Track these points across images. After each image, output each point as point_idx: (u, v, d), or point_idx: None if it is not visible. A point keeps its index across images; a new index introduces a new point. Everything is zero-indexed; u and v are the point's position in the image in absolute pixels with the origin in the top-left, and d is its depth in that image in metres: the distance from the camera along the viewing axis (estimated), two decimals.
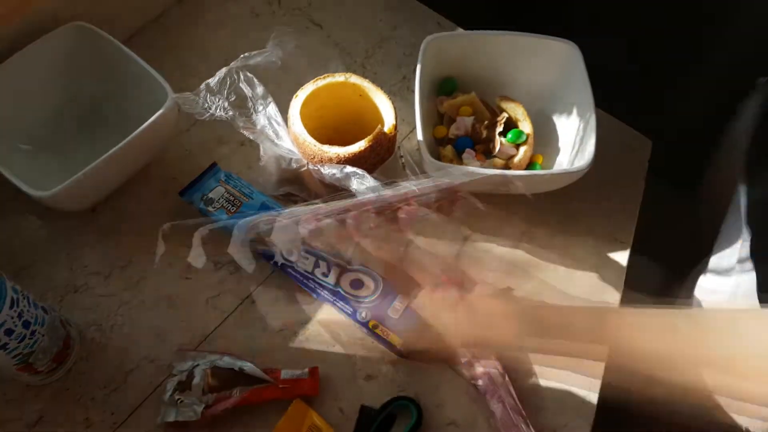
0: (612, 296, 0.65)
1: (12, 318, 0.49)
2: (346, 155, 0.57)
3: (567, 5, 0.86)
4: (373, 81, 0.77)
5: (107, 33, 0.66)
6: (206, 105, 0.60)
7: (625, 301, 0.64)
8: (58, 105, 0.69)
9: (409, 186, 0.54)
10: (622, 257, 0.67)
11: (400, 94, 0.77)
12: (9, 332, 0.49)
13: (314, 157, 0.59)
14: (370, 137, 0.57)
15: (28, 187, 0.57)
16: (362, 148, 0.57)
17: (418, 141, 0.60)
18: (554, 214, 0.69)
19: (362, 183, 0.54)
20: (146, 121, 0.60)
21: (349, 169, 0.55)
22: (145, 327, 0.61)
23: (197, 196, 0.65)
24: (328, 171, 0.57)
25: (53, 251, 0.64)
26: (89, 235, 0.66)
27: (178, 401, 0.55)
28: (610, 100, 0.73)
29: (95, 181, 0.60)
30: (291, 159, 0.60)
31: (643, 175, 0.73)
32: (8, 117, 0.65)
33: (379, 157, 0.60)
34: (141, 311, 0.62)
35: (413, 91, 0.65)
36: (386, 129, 0.59)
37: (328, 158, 0.58)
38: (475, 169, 0.60)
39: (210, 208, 0.65)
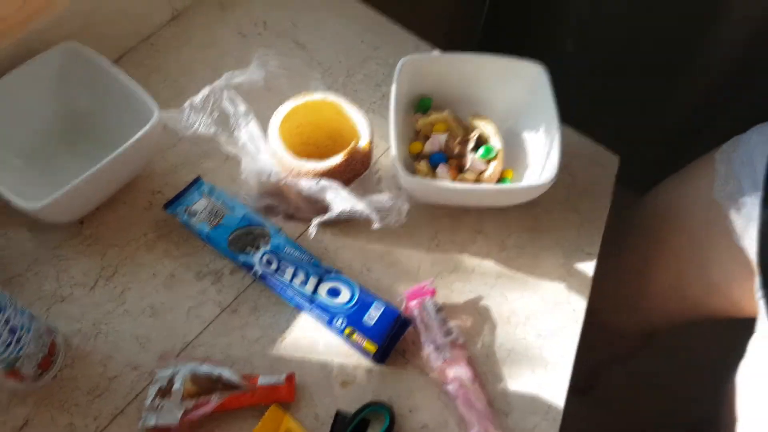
0: (578, 304, 0.67)
1: None
2: (322, 169, 0.60)
3: (535, 29, 0.90)
4: (354, 99, 0.80)
5: (99, 52, 0.69)
6: (190, 122, 0.63)
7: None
8: (49, 121, 0.71)
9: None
10: (588, 267, 0.70)
11: (379, 112, 0.80)
12: None
13: (292, 171, 0.61)
14: (345, 152, 0.60)
15: (18, 199, 0.59)
16: (337, 163, 0.60)
17: (392, 156, 0.63)
18: (524, 226, 0.72)
19: (336, 195, 0.57)
20: (132, 137, 0.63)
21: (324, 182, 0.58)
22: (129, 335, 0.63)
23: (181, 208, 0.68)
24: (305, 184, 0.59)
25: (41, 262, 0.67)
26: (76, 247, 0.68)
27: (159, 407, 0.57)
28: (581, 117, 0.77)
29: (83, 194, 0.63)
30: (270, 173, 0.63)
31: (610, 189, 0.76)
32: (2, 132, 0.68)
33: (355, 172, 0.63)
34: (125, 320, 0.64)
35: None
36: (361, 145, 0.62)
37: (304, 172, 0.61)
38: (447, 184, 0.63)
39: (193, 220, 0.67)
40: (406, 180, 0.62)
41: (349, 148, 0.60)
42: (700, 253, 0.75)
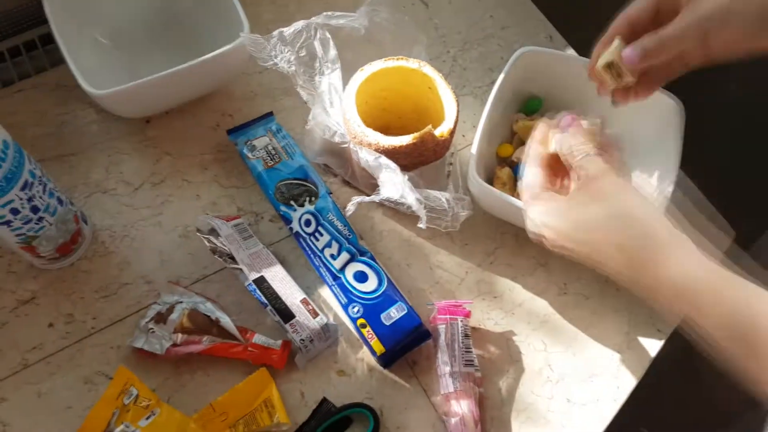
0: (625, 383, 0.58)
1: (21, 199, 0.50)
2: (386, 146, 0.54)
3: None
4: (460, 77, 0.73)
5: None
6: (273, 53, 0.59)
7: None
8: (146, 11, 0.70)
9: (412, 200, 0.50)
10: (653, 346, 0.59)
11: (481, 98, 0.72)
12: (15, 211, 0.50)
13: (355, 137, 0.55)
14: (416, 135, 0.54)
15: (85, 82, 0.58)
16: (404, 144, 0.54)
17: (471, 154, 0.56)
18: (596, 275, 0.62)
19: (390, 179, 0.51)
20: (214, 51, 0.60)
21: (383, 159, 0.52)
22: (153, 247, 0.62)
23: (242, 139, 0.65)
24: (364, 155, 0.53)
25: (97, 149, 0.66)
26: (135, 144, 0.67)
27: (150, 331, 0.55)
28: (703, 171, 0.65)
29: (147, 93, 0.60)
30: (336, 132, 0.57)
31: None
32: (97, 8, 0.67)
33: (423, 158, 0.56)
34: (155, 231, 0.62)
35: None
36: (438, 132, 0.55)
37: (367, 143, 0.54)
38: (518, 203, 0.55)
39: (250, 155, 0.64)
40: (476, 185, 0.55)
41: (421, 133, 0.53)
42: None
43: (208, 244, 0.58)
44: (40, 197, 0.52)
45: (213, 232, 0.60)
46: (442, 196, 0.53)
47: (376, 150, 0.54)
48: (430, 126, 0.54)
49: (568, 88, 0.64)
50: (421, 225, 0.51)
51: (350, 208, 0.52)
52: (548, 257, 0.63)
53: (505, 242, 0.63)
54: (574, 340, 0.60)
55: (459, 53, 0.75)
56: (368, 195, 0.56)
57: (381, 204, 0.64)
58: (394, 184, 0.50)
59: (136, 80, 0.58)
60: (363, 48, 0.63)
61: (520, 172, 0.62)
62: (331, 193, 0.62)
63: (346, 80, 0.60)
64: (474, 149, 0.56)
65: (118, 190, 0.64)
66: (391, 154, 0.54)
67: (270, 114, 0.67)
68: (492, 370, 0.58)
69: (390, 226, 0.64)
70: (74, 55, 0.59)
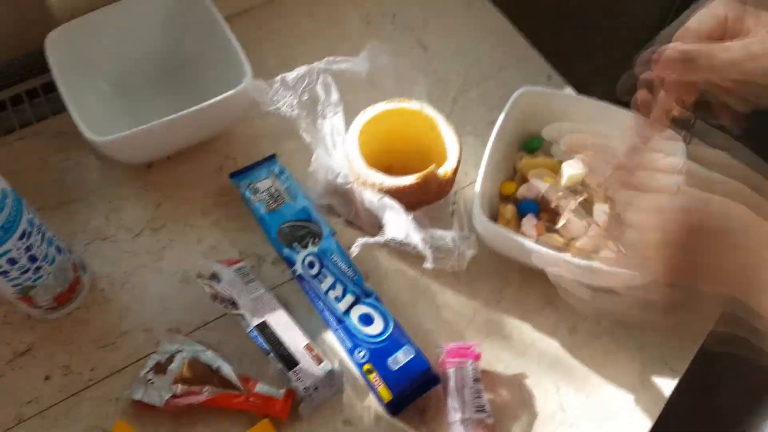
0: (641, 424, 0.56)
1: (18, 249, 0.49)
2: (390, 186, 0.53)
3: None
4: (461, 117, 0.73)
5: (218, 4, 0.67)
6: (276, 98, 0.59)
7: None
8: (148, 57, 0.70)
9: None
10: (667, 386, 0.58)
11: (482, 137, 0.71)
12: (12, 261, 0.49)
13: (359, 178, 0.55)
14: (420, 175, 0.53)
15: (87, 129, 0.58)
16: (408, 184, 0.53)
17: (475, 192, 0.55)
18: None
19: (394, 219, 0.50)
20: (216, 96, 0.60)
21: (387, 200, 0.52)
22: (154, 294, 0.60)
23: (245, 182, 0.64)
24: (368, 196, 0.53)
25: (98, 195, 0.66)
26: (136, 190, 0.66)
27: (149, 382, 0.54)
28: None
29: (148, 140, 0.60)
30: (339, 173, 0.57)
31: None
32: (101, 54, 0.67)
33: (427, 198, 0.56)
34: (156, 277, 0.61)
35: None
36: (441, 172, 0.55)
37: (371, 183, 0.54)
38: (526, 243, 0.54)
39: (252, 198, 0.63)
40: (481, 223, 0.54)
41: (424, 173, 0.53)
42: None
43: (208, 290, 0.57)
44: (39, 246, 0.51)
45: (214, 277, 0.59)
46: (447, 236, 0.52)
47: (380, 190, 0.53)
48: (433, 165, 0.53)
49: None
50: (428, 265, 0.50)
51: (355, 249, 0.51)
52: (557, 295, 0.61)
53: (511, 280, 0.62)
54: (587, 382, 0.58)
55: (459, 94, 0.75)
56: (372, 235, 0.55)
57: (386, 244, 0.63)
58: (398, 224, 0.50)
59: (135, 125, 0.58)
60: (364, 90, 0.63)
61: (523, 208, 0.62)
62: (334, 234, 0.61)
63: (348, 122, 0.61)
64: (477, 187, 0.56)
65: (119, 237, 0.64)
66: (395, 194, 0.53)
67: (273, 156, 0.66)
68: (504, 415, 0.56)
69: (395, 266, 0.62)
70: (76, 103, 0.59)
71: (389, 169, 0.57)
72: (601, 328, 0.60)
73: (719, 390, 0.70)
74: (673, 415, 0.57)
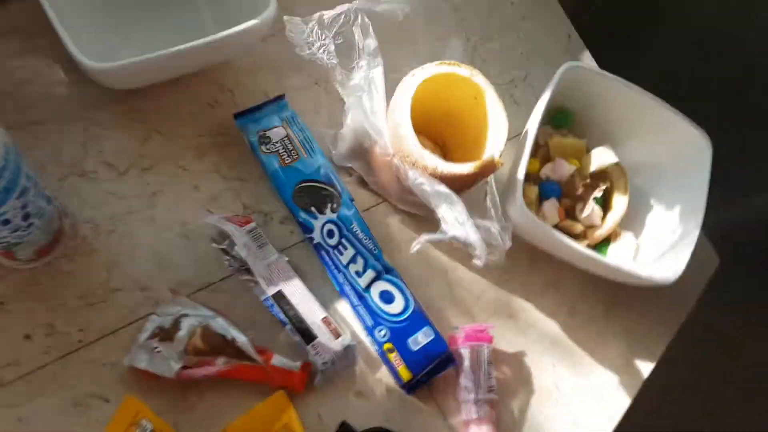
0: (620, 402, 0.61)
1: (15, 209, 0.40)
2: (444, 173, 0.50)
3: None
4: (480, 70, 0.68)
5: None
6: (311, 39, 0.51)
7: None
8: None
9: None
10: (645, 368, 0.63)
11: (503, 97, 0.68)
12: (5, 222, 0.41)
13: (407, 157, 0.50)
14: (478, 165, 0.50)
15: (78, 52, 0.47)
16: (464, 173, 0.50)
17: (517, 181, 0.53)
18: (602, 297, 0.64)
19: (456, 216, 0.47)
20: (237, 25, 0.51)
21: (442, 188, 0.48)
22: (148, 247, 0.54)
23: (254, 127, 0.57)
24: (416, 180, 0.49)
25: (70, 119, 0.55)
26: (117, 116, 0.56)
27: (155, 349, 0.49)
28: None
29: (149, 70, 0.51)
30: (376, 142, 0.52)
31: (698, 290, 0.68)
32: None
33: (474, 183, 0.53)
34: (148, 228, 0.54)
35: (529, 121, 0.57)
36: (496, 157, 0.52)
37: (422, 165, 0.50)
38: (574, 246, 0.53)
39: (263, 148, 0.56)
40: (524, 216, 0.52)
41: (483, 162, 0.50)
42: None
43: (225, 257, 0.52)
44: (33, 202, 0.42)
45: (223, 236, 0.53)
46: (493, 228, 0.50)
47: (432, 175, 0.49)
48: (493, 155, 0.50)
49: (598, 104, 0.63)
50: (479, 262, 0.49)
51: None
52: (560, 277, 0.63)
53: (519, 260, 0.62)
54: (581, 363, 0.61)
55: (479, 43, 0.70)
56: (396, 206, 0.52)
57: (400, 210, 0.60)
58: (457, 221, 0.47)
59: (125, 45, 0.48)
60: (396, 37, 0.56)
61: (546, 190, 0.61)
62: (353, 200, 0.57)
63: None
64: (520, 174, 0.54)
65: (100, 174, 0.55)
66: (447, 180, 0.50)
67: (281, 97, 0.59)
68: (506, 393, 0.58)
69: (409, 236, 0.60)
70: (60, 18, 0.47)
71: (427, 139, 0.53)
72: (597, 312, 0.63)
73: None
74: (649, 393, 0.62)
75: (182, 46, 0.48)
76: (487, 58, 0.70)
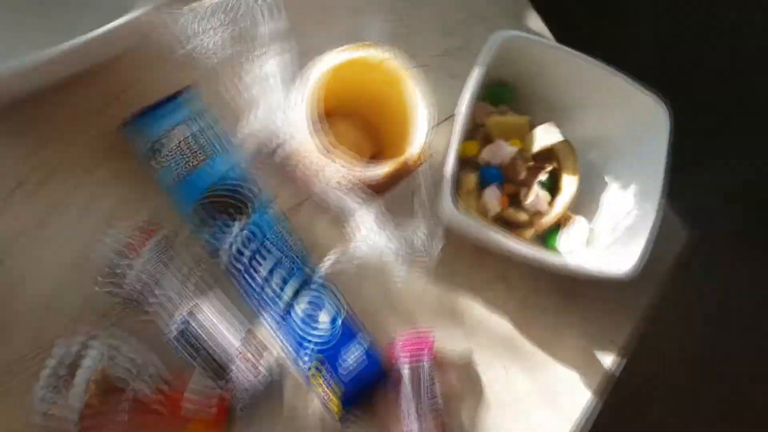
0: (584, 397, 0.57)
1: None
2: (359, 179, 0.43)
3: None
4: (405, 40, 0.61)
5: None
6: (198, 28, 0.43)
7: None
8: None
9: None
10: (608, 360, 0.58)
11: (432, 72, 0.60)
12: None
13: (312, 165, 0.44)
14: (392, 166, 0.43)
15: None
16: (379, 175, 0.43)
17: (444, 176, 0.47)
18: (555, 288, 0.59)
19: (366, 219, 0.41)
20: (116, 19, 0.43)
21: (348, 201, 0.42)
22: (33, 286, 0.47)
23: (146, 135, 0.49)
24: (331, 191, 0.42)
25: None
26: None
27: (49, 402, 0.43)
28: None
29: (20, 80, 0.43)
30: (284, 143, 0.45)
31: (664, 268, 0.63)
32: None
33: (392, 184, 0.46)
34: (33, 265, 0.48)
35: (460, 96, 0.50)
36: (414, 153, 0.45)
37: (335, 169, 0.43)
38: (512, 245, 0.47)
39: (154, 163, 0.49)
40: (454, 217, 0.46)
41: (398, 162, 0.43)
42: None
43: (111, 297, 0.46)
44: None
45: (115, 269, 0.46)
46: (418, 232, 0.44)
47: (341, 182, 0.43)
48: (405, 155, 0.43)
49: (540, 75, 0.56)
50: (401, 272, 0.43)
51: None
52: (509, 271, 0.58)
53: (463, 254, 0.57)
54: (535, 360, 0.57)
55: (406, 10, 0.62)
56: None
57: (326, 211, 0.53)
58: (372, 228, 0.41)
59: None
60: (308, 11, 0.49)
61: (486, 176, 0.55)
62: (273, 201, 0.50)
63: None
64: (448, 169, 0.47)
65: None
66: (364, 184, 0.43)
67: (182, 92, 0.51)
68: (452, 402, 0.53)
69: (336, 236, 0.53)
70: None
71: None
72: (549, 303, 0.58)
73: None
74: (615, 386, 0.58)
75: (56, 48, 0.41)
76: (415, 27, 0.62)
